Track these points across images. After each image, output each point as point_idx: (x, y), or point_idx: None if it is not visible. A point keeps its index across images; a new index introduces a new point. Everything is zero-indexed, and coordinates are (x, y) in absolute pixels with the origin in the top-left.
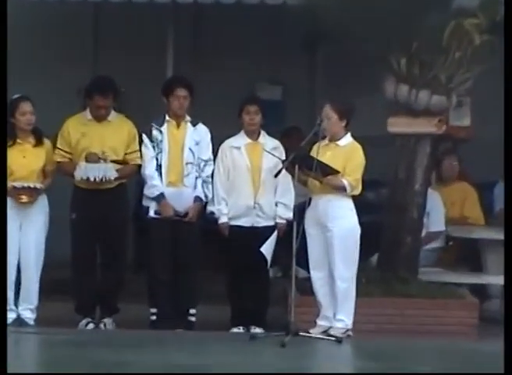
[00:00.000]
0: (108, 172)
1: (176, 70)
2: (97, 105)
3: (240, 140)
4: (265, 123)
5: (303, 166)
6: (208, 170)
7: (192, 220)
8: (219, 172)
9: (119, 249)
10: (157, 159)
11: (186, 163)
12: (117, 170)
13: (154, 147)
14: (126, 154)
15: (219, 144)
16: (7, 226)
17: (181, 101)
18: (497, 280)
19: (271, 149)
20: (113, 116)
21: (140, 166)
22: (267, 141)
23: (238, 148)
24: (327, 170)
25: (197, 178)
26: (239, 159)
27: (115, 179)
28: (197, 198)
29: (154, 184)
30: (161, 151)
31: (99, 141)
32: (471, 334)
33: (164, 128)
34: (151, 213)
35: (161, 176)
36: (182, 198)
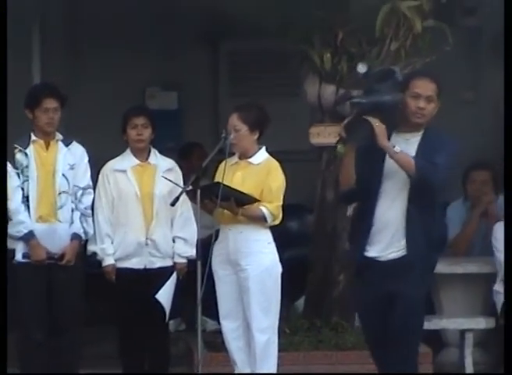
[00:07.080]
0: None
1: (45, 76)
2: None
3: (126, 161)
4: (157, 139)
5: (210, 193)
6: (87, 200)
7: (69, 263)
8: (101, 202)
9: None
10: (22, 190)
11: (60, 193)
12: None
13: (18, 174)
14: None
15: (100, 168)
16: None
17: (50, 116)
18: (454, 323)
19: (164, 171)
20: None
21: None
22: (159, 162)
23: (123, 171)
24: (244, 199)
25: (73, 211)
26: (125, 186)
27: None
28: (75, 236)
29: (21, 220)
30: (27, 180)
31: None
32: None
33: (30, 150)
34: (18, 257)
35: (28, 210)
36: (56, 237)
